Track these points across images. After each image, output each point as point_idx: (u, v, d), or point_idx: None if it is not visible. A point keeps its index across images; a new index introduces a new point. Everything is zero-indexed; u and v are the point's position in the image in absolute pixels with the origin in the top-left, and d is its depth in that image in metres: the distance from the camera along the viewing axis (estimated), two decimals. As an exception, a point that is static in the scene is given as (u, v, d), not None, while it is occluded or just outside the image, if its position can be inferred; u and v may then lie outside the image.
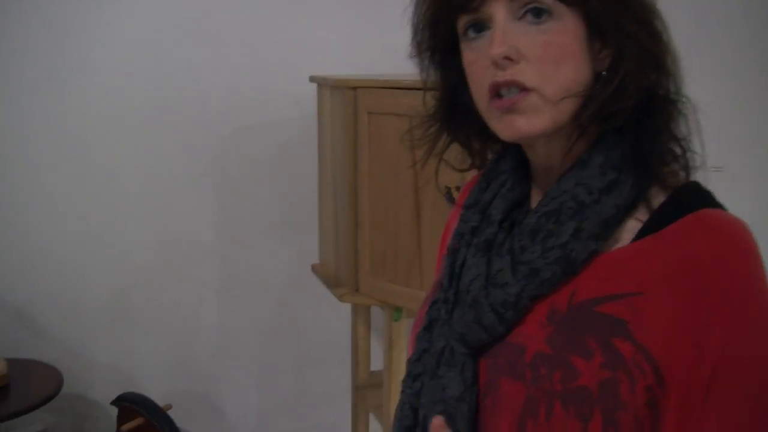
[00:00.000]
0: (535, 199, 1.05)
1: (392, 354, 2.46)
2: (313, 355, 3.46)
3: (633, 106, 0.94)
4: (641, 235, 0.95)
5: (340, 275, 2.55)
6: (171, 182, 3.35)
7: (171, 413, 2.97)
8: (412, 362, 1.07)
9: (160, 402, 2.99)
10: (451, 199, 2.12)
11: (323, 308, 3.19)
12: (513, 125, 0.95)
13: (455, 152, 1.15)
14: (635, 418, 0.88)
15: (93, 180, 3.34)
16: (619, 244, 0.96)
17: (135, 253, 3.42)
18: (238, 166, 3.35)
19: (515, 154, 1.08)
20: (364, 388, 2.93)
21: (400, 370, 2.47)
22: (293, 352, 3.48)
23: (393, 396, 2.49)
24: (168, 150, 3.31)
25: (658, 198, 0.96)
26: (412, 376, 1.06)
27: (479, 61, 0.96)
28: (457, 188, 2.12)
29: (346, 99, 2.38)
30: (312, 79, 2.76)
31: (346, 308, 2.95)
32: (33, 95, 3.17)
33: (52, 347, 3.45)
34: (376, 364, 3.00)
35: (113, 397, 3.00)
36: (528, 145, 1.03)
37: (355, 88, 2.36)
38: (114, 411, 2.98)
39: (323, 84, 2.69)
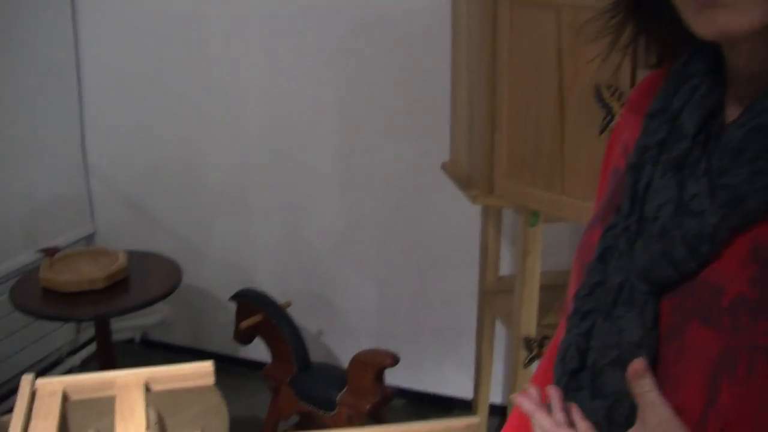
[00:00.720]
0: (732, 109, 0.86)
1: (527, 261, 2.32)
2: (438, 256, 3.34)
3: None
4: None
5: (473, 175, 2.42)
6: (292, 72, 3.25)
7: (290, 311, 2.93)
8: (580, 297, 0.92)
9: (280, 299, 2.95)
10: (600, 98, 1.95)
11: (450, 208, 3.07)
12: (714, 21, 0.76)
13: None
14: None
15: (212, 71, 3.28)
16: None
17: (254, 147, 3.37)
18: (362, 55, 3.20)
19: (709, 52, 0.90)
20: (492, 293, 2.82)
21: (534, 278, 2.35)
22: (417, 252, 3.37)
23: (524, 304, 2.38)
24: (289, 38, 3.21)
25: None
26: (580, 314, 0.91)
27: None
28: (608, 87, 1.94)
29: (486, -13, 2.20)
30: (447, -36, 2.58)
31: (474, 209, 2.82)
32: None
33: (172, 240, 3.46)
34: (504, 268, 2.88)
35: (232, 292, 2.98)
36: (729, 45, 0.84)
37: (496, -25, 2.18)
38: (233, 306, 2.96)
39: (459, -30, 2.51)
